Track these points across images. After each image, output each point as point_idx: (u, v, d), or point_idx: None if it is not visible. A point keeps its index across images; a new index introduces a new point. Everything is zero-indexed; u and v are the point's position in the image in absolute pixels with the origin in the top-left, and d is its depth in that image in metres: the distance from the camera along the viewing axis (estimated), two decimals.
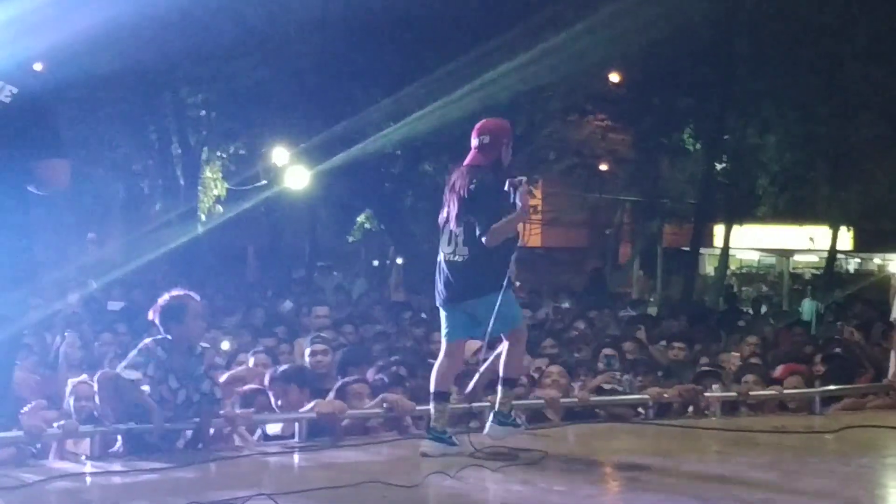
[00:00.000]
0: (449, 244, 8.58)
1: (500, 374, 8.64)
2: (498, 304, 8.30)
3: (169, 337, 8.70)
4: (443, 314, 8.73)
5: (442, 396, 8.59)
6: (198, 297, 9.06)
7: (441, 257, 8.64)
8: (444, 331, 8.71)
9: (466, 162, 8.72)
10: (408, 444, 9.20)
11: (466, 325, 8.62)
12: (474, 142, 8.72)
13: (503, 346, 8.63)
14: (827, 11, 26.07)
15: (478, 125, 8.87)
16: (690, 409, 10.95)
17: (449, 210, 8.62)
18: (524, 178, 8.64)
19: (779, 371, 12.07)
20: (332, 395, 9.79)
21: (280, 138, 26.38)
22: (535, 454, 8.35)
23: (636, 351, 13.54)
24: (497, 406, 8.65)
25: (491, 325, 8.32)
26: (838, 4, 26.59)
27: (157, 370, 8.56)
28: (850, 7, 26.19)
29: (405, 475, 7.51)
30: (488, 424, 8.64)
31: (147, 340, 8.76)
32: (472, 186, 8.50)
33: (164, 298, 8.86)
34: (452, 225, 8.56)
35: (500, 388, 8.66)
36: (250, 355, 11.54)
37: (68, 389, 9.29)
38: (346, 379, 10.16)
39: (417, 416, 9.73)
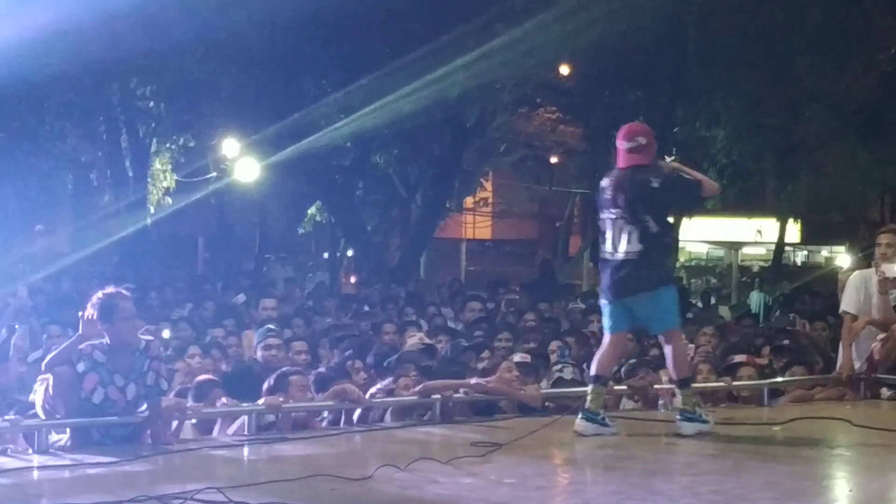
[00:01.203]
0: (619, 242, 8.99)
1: (674, 377, 9.22)
2: (662, 301, 9.08)
3: (105, 340, 8.61)
4: (607, 308, 9.27)
5: (601, 380, 9.15)
6: (128, 294, 8.93)
7: (609, 255, 9.11)
8: (607, 323, 9.27)
9: (624, 165, 9.16)
10: (357, 437, 9.22)
11: (627, 318, 9.24)
12: (628, 144, 9.19)
13: (666, 350, 9.28)
14: (776, 5, 26.19)
15: (627, 129, 9.40)
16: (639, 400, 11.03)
17: (619, 211, 9.00)
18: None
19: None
20: (271, 385, 9.71)
21: (230, 130, 26.28)
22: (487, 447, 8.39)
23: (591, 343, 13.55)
24: (682, 405, 9.17)
25: (650, 322, 9.25)
26: None
27: (99, 373, 8.47)
28: (798, 1, 26.33)
29: (355, 468, 7.51)
30: (678, 423, 9.08)
31: (84, 345, 8.62)
32: (655, 184, 9.00)
33: (97, 296, 8.75)
34: (623, 223, 8.99)
35: (676, 391, 9.29)
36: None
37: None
38: (286, 369, 10.08)
39: (367, 407, 9.75)
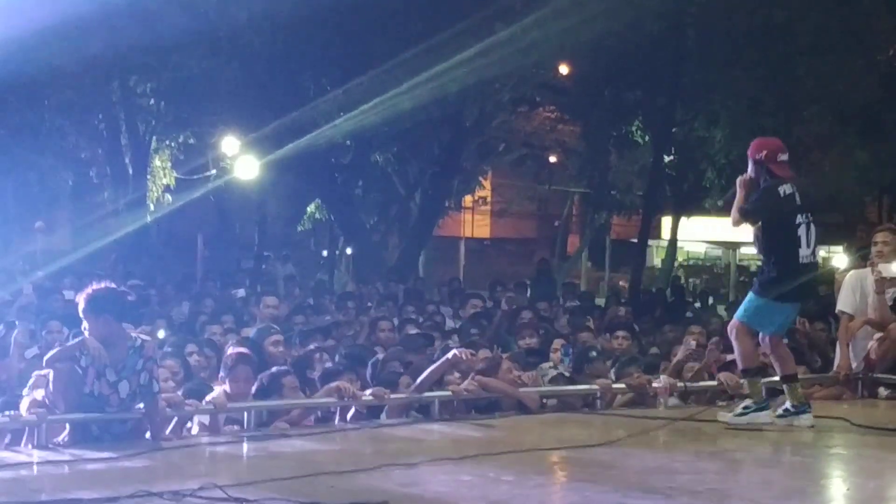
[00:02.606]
0: (808, 246, 9.65)
1: (782, 373, 9.87)
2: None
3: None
4: (785, 309, 9.86)
5: (790, 378, 9.81)
6: (121, 290, 8.98)
7: (807, 259, 9.69)
8: (777, 324, 9.84)
9: (792, 175, 9.86)
10: (356, 435, 9.24)
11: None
12: (785, 157, 9.85)
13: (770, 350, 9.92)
14: (775, 6, 26.19)
15: (780, 144, 10.05)
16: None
17: (810, 215, 9.67)
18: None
19: None
20: (263, 385, 9.72)
21: (230, 128, 26.29)
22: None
23: (590, 341, 13.58)
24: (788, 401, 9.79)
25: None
26: None
27: (95, 367, 8.49)
28: (797, 1, 26.33)
29: (353, 465, 7.53)
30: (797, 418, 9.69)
31: (80, 339, 8.67)
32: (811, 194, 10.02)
33: (87, 291, 8.77)
34: (814, 228, 9.69)
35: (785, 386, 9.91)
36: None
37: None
38: (280, 369, 10.08)
39: (366, 405, 9.78)
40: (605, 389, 10.78)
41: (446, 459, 7.87)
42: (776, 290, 9.61)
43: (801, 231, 9.57)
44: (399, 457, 7.78)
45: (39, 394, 8.61)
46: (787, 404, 9.71)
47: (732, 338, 9.89)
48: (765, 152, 9.75)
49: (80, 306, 8.69)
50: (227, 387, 9.51)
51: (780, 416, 9.64)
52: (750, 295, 9.82)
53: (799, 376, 11.78)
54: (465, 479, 7.39)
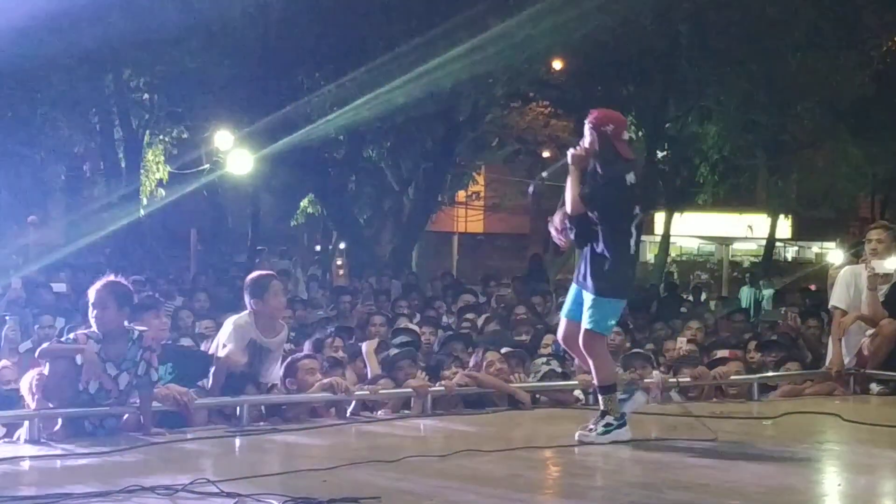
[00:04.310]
0: (637, 239, 8.72)
1: (604, 382, 8.80)
2: None
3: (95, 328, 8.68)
4: (620, 307, 8.88)
5: (611, 389, 8.73)
6: (124, 283, 9.02)
7: (631, 252, 8.66)
8: (612, 323, 8.85)
9: (633, 158, 8.90)
10: (350, 430, 9.24)
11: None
12: (627, 136, 8.83)
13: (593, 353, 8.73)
14: (768, 2, 26.23)
15: (624, 119, 8.99)
16: None
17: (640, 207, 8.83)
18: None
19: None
20: (280, 371, 9.84)
21: (223, 122, 26.27)
22: None
23: None
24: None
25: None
26: None
27: (90, 360, 8.51)
28: None
29: (346, 460, 7.54)
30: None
31: (78, 332, 8.74)
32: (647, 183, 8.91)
33: (99, 283, 8.81)
34: (642, 221, 8.81)
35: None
36: None
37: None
38: (296, 355, 10.18)
39: (361, 399, 9.79)
40: (586, 384, 10.66)
41: (439, 455, 7.87)
42: (618, 288, 8.66)
43: (636, 223, 8.59)
44: (392, 452, 7.78)
45: (29, 376, 8.66)
46: (609, 418, 8.62)
47: (588, 352, 8.66)
48: (611, 126, 8.56)
49: (91, 299, 8.72)
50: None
51: (602, 433, 8.56)
52: (593, 298, 8.54)
53: (791, 372, 11.87)
54: (457, 475, 7.40)
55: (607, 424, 8.58)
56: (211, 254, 31.89)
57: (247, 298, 10.00)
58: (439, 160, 29.85)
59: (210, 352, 10.14)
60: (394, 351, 11.11)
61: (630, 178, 8.51)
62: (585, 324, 8.57)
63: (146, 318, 9.62)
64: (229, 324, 10.01)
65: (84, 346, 8.50)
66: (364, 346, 11.14)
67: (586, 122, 8.67)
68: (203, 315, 14.89)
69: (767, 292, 28.03)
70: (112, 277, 8.95)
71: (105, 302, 8.68)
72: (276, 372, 9.93)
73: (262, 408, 9.60)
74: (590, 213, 8.51)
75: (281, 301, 10.17)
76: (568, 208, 8.67)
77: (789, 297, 22.08)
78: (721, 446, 8.57)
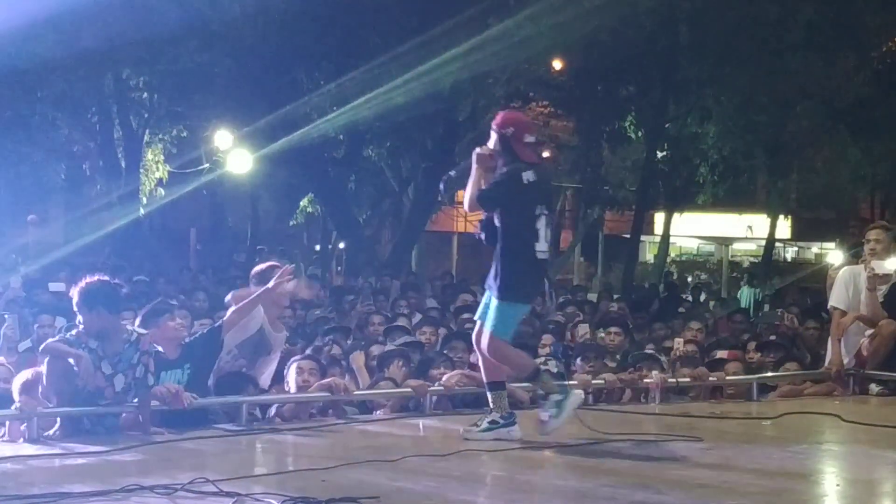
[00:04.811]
0: (543, 241, 8.77)
1: (491, 379, 8.81)
2: None
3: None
4: (525, 311, 9.09)
5: (499, 386, 8.79)
6: (113, 283, 9.00)
7: (542, 254, 8.78)
8: (512, 328, 8.76)
9: (537, 161, 9.00)
10: (348, 430, 9.24)
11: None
12: (532, 138, 8.89)
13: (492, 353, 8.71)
14: (767, 2, 26.24)
15: (529, 122, 9.31)
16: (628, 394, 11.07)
17: (544, 207, 8.84)
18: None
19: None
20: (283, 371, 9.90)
21: (223, 122, 26.28)
22: None
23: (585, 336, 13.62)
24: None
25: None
26: None
27: (91, 360, 8.49)
28: None
29: (345, 460, 7.54)
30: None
31: (76, 332, 8.70)
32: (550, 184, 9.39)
33: (81, 284, 8.79)
34: (546, 222, 8.82)
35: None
36: None
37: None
38: (296, 357, 10.18)
39: (360, 399, 9.80)
40: (585, 385, 10.65)
41: (437, 455, 7.87)
42: (520, 293, 8.70)
43: (540, 223, 8.64)
44: (390, 452, 7.78)
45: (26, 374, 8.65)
46: (496, 415, 8.65)
47: (491, 356, 8.65)
48: (511, 129, 8.65)
49: (74, 300, 8.71)
50: None
51: (485, 430, 8.59)
52: (496, 303, 8.55)
53: (791, 372, 11.88)
54: (455, 474, 7.40)
55: (492, 422, 8.63)
56: (210, 253, 31.92)
57: (253, 288, 10.02)
58: (439, 160, 29.81)
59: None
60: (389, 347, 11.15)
61: (528, 176, 8.54)
62: (487, 326, 8.61)
63: (161, 322, 9.55)
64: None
65: (81, 354, 8.47)
66: (353, 360, 11.05)
67: (492, 123, 8.81)
68: (202, 315, 14.87)
69: (759, 289, 28.10)
70: (93, 277, 8.89)
71: (89, 303, 8.65)
72: (270, 374, 9.94)
73: (259, 408, 9.61)
74: (488, 212, 8.67)
75: (287, 288, 10.13)
76: (465, 205, 8.87)
77: (789, 297, 22.11)
78: (720, 446, 8.58)
